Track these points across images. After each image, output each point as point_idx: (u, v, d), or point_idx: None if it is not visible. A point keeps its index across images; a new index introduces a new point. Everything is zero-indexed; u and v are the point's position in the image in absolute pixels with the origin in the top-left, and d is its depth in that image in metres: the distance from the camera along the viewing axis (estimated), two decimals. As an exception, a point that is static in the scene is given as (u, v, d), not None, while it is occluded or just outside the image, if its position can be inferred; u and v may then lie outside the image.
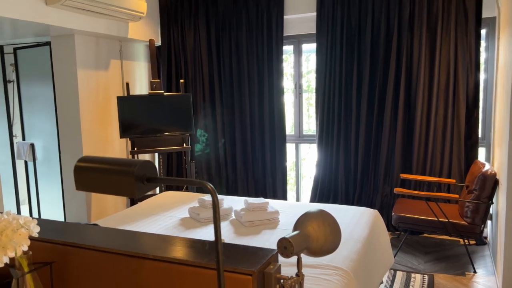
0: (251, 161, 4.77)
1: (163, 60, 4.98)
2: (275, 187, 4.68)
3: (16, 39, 4.41)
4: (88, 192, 4.29)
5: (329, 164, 4.42)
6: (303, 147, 4.91)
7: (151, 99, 4.26)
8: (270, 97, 4.60)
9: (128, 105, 4.19)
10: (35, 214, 4.72)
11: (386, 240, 2.92)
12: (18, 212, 4.72)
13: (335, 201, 4.41)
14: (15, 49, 4.60)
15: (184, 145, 4.33)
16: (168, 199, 3.41)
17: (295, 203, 3.19)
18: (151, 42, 4.41)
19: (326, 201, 4.43)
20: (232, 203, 3.18)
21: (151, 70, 4.42)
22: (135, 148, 4.21)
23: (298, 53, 4.62)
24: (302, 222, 1.21)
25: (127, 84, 4.28)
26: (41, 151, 4.57)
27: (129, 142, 4.52)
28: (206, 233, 2.56)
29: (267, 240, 2.44)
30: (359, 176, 4.31)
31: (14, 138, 4.98)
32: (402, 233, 4.13)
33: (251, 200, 2.80)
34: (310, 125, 4.87)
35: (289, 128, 4.86)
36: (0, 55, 4.52)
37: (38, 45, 4.38)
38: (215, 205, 0.93)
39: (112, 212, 4.56)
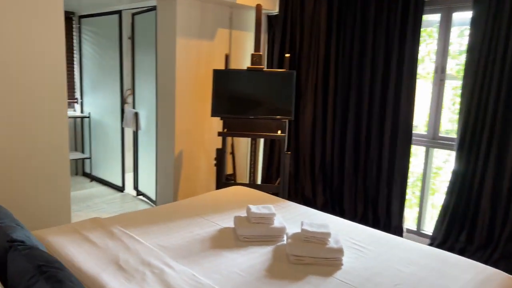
0: (363, 161, 3.79)
1: (278, 31, 4.30)
2: (390, 199, 3.63)
3: (133, 3, 4.29)
4: (177, 170, 3.99)
5: (469, 182, 3.17)
6: (439, 153, 3.69)
7: (249, 75, 3.66)
8: (398, 83, 3.51)
9: (223, 80, 3.67)
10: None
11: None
12: (122, 180, 4.75)
13: (470, 237, 3.16)
14: (133, 15, 4.51)
15: (279, 132, 3.63)
16: (233, 196, 2.80)
17: (385, 237, 2.20)
18: (257, 7, 3.77)
19: (458, 234, 3.21)
20: (295, 220, 2.37)
21: (254, 41, 3.79)
22: (225, 130, 3.70)
23: (445, 25, 3.38)
24: None
25: (226, 56, 3.75)
26: (145, 120, 4.45)
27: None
28: (232, 260, 1.86)
29: (307, 293, 1.62)
30: (514, 207, 2.96)
31: (126, 106, 5.02)
32: None
33: (308, 224, 1.97)
34: (455, 124, 3.61)
35: (422, 126, 3.70)
36: (118, 20, 4.48)
37: (148, 10, 4.18)
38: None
39: (202, 192, 4.18)
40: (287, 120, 3.64)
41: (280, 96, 3.61)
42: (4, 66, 2.63)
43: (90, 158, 5.16)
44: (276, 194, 4.15)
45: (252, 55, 3.72)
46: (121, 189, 4.78)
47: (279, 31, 4.28)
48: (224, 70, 3.68)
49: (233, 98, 3.65)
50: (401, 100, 3.48)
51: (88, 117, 5.09)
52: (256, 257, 1.90)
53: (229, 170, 4.42)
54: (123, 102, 4.64)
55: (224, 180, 4.33)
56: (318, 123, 4.09)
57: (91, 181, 5.13)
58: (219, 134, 3.64)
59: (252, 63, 3.72)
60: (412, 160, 3.74)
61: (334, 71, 3.92)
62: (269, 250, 1.98)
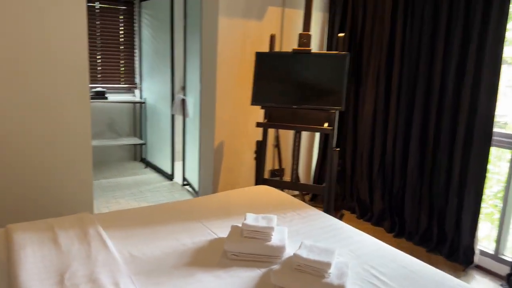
0: (430, 164, 3.13)
1: (338, 9, 3.75)
2: (460, 212, 2.94)
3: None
4: (217, 161, 3.70)
5: None
6: (533, 158, 2.89)
7: (295, 58, 3.20)
8: (477, 69, 2.79)
9: (266, 64, 3.27)
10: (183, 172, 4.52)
11: None
12: (172, 168, 4.61)
13: None
14: (185, -4, 4.29)
15: (326, 125, 3.13)
16: (253, 198, 2.41)
17: (419, 271, 1.64)
18: (308, -20, 3.27)
19: (547, 264, 2.45)
20: (310, 235, 1.91)
21: (304, 19, 3.31)
22: (266, 120, 3.30)
23: (548, -8, 2.58)
24: None
25: (272, 37, 3.33)
26: (192, 107, 4.23)
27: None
28: (204, 285, 1.49)
29: None
30: None
31: (179, 92, 4.85)
32: None
33: (306, 247, 1.52)
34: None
35: None
36: (170, 2, 4.29)
37: (197, -11, 3.90)
38: None
39: (243, 185, 3.83)
40: (337, 112, 3.13)
41: (330, 83, 3.10)
42: (24, 51, 2.53)
43: (145, 144, 5.12)
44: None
45: (300, 35, 3.25)
46: (170, 177, 4.65)
47: (340, 9, 3.73)
48: (267, 52, 3.28)
49: (276, 84, 3.23)
50: (481, 91, 2.76)
51: (144, 102, 5.04)
52: (237, 283, 1.50)
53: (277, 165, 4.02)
54: (173, 87, 4.47)
55: (269, 176, 3.95)
56: (379, 116, 3.49)
57: (145, 167, 5.09)
58: (258, 124, 3.25)
59: (299, 45, 3.26)
60: (500, 165, 3.00)
61: (400, 55, 3.28)
62: (258, 274, 1.57)
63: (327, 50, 3.98)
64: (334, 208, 3.73)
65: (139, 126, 5.26)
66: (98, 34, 4.91)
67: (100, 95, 4.81)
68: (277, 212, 2.18)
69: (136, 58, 5.19)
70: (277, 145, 3.68)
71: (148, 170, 5.00)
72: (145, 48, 4.99)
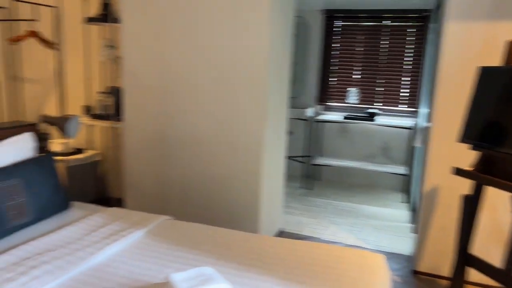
0: None
1: None
2: None
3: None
4: (426, 211, 2.81)
5: None
6: None
7: (533, 75, 1.98)
8: None
9: (490, 84, 2.19)
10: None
11: None
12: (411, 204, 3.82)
13: None
14: None
15: (560, 192, 1.73)
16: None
17: None
18: None
19: None
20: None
21: None
22: (474, 168, 2.20)
23: None
24: None
25: (508, 44, 2.18)
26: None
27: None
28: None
29: None
30: None
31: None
32: None
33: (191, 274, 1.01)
34: None
35: None
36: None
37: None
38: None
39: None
40: None
41: None
42: (216, 66, 2.87)
43: (407, 175, 4.48)
44: None
45: (553, 38, 1.96)
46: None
47: None
48: (493, 67, 2.19)
49: (501, 116, 2.11)
50: None
51: (410, 128, 4.41)
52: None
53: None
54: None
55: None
56: None
57: (401, 201, 4.46)
58: (457, 171, 2.24)
59: (548, 54, 1.97)
60: None
61: None
62: None
63: None
64: None
65: (412, 154, 4.65)
66: (383, 53, 4.72)
67: (371, 117, 4.61)
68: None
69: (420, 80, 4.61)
70: (515, 210, 2.36)
71: (403, 205, 4.35)
72: (426, 69, 4.35)
